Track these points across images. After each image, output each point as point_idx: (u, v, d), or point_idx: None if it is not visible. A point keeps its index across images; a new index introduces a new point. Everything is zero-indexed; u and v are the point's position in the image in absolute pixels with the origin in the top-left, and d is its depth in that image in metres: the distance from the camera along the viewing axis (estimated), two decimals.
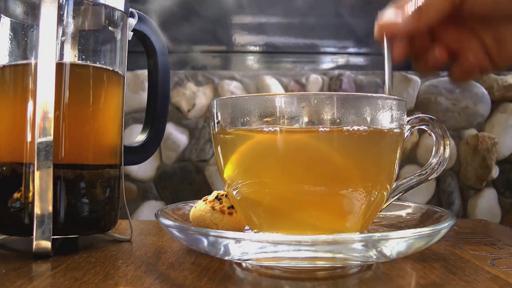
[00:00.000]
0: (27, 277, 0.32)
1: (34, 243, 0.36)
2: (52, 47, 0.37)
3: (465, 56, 0.45)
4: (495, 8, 0.42)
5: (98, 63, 0.41)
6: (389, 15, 0.43)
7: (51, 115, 0.36)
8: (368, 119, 0.33)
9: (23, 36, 0.41)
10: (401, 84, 0.74)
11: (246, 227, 0.39)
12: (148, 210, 0.73)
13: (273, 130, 0.33)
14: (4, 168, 0.38)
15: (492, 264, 0.35)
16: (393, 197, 0.39)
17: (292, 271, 0.33)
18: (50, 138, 0.36)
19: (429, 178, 0.38)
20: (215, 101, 0.36)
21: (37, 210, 0.36)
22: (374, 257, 0.30)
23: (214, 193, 0.39)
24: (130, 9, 0.44)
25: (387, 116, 0.34)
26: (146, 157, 0.47)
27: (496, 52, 0.44)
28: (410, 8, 0.42)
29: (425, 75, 0.49)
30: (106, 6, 0.41)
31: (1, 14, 0.40)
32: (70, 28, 0.40)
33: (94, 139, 0.40)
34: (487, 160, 0.73)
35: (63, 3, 0.39)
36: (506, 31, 0.43)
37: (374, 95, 0.36)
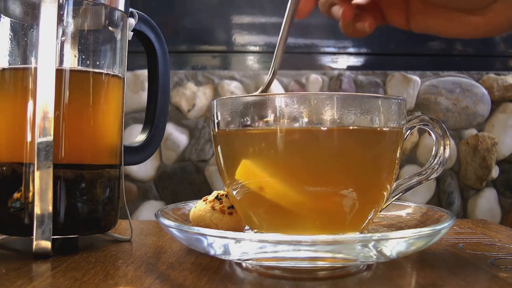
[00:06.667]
0: (27, 277, 0.32)
1: (34, 243, 0.36)
2: (52, 47, 0.37)
3: (389, 17, 0.44)
4: None
5: (98, 63, 0.41)
6: None
7: (51, 115, 0.36)
8: (368, 119, 0.33)
9: (23, 36, 0.41)
10: (401, 84, 0.74)
11: (246, 227, 0.39)
12: (148, 210, 0.73)
13: (273, 130, 0.33)
14: (4, 168, 0.38)
15: (492, 264, 0.35)
16: (393, 197, 0.39)
17: (292, 271, 0.33)
18: (50, 138, 0.36)
19: (429, 178, 0.38)
20: (215, 101, 0.36)
21: (37, 210, 0.36)
22: (374, 257, 0.30)
23: (214, 193, 0.39)
24: (130, 9, 0.44)
25: (387, 116, 0.34)
26: (146, 157, 0.47)
27: (418, 21, 0.43)
28: None
29: (353, 37, 0.48)
30: (106, 6, 0.41)
31: (1, 14, 0.40)
32: (70, 28, 0.40)
33: (94, 139, 0.40)
34: (487, 160, 0.73)
35: (63, 3, 0.39)
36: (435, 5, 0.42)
37: (374, 95, 0.36)
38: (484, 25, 0.41)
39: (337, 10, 0.44)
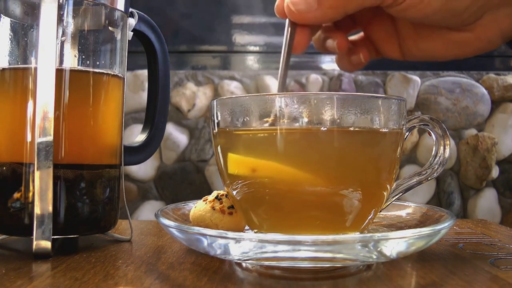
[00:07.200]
0: (27, 277, 0.32)
1: (34, 243, 0.36)
2: (52, 47, 0.37)
3: (382, 48, 0.45)
4: (426, 18, 0.41)
5: (98, 63, 0.41)
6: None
7: (51, 115, 0.36)
8: (368, 119, 0.33)
9: (23, 36, 0.41)
10: (401, 84, 0.74)
11: (246, 227, 0.39)
12: (148, 210, 0.73)
13: (273, 130, 0.33)
14: (4, 168, 0.38)
15: (492, 264, 0.35)
16: (393, 197, 0.39)
17: (292, 271, 0.33)
18: (50, 138, 0.36)
19: (429, 178, 0.38)
20: (215, 101, 0.36)
21: (37, 210, 0.36)
22: (374, 257, 0.30)
23: (214, 193, 0.39)
24: (130, 9, 0.44)
25: (387, 116, 0.34)
26: (146, 157, 0.47)
27: (411, 47, 0.44)
28: None
29: (349, 71, 0.50)
30: (106, 6, 0.41)
31: (1, 14, 0.40)
32: (70, 28, 0.40)
33: (94, 139, 0.40)
34: (487, 160, 0.73)
35: (63, 3, 0.39)
36: (427, 29, 0.43)
37: (374, 95, 0.36)
38: (475, 40, 0.41)
39: (332, 43, 0.45)
